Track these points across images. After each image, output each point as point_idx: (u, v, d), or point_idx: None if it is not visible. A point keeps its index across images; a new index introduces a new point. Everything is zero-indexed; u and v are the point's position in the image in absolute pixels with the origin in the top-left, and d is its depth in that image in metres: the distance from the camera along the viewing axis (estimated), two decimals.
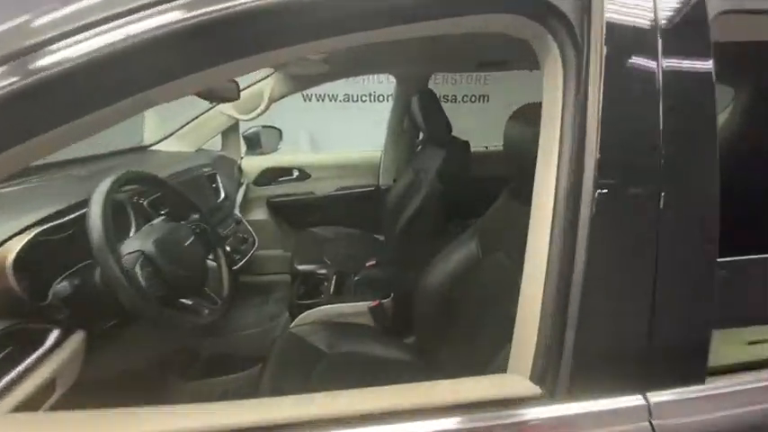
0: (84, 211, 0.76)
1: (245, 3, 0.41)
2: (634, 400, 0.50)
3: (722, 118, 1.20)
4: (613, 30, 0.47)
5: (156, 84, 0.43)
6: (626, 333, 0.50)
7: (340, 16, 0.44)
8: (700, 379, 0.52)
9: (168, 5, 0.40)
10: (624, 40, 0.48)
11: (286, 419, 0.45)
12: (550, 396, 0.49)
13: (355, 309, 1.35)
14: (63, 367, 0.74)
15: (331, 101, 4.38)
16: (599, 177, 0.46)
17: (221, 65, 0.44)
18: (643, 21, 0.48)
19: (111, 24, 0.40)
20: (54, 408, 0.74)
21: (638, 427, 0.49)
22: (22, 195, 0.99)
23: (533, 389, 0.50)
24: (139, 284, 0.74)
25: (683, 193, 0.49)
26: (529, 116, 0.93)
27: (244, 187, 1.94)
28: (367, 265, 1.64)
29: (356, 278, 1.36)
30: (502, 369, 0.59)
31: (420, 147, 2.02)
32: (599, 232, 0.47)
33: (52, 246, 0.79)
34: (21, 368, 0.67)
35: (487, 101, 4.93)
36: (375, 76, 4.37)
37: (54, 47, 0.39)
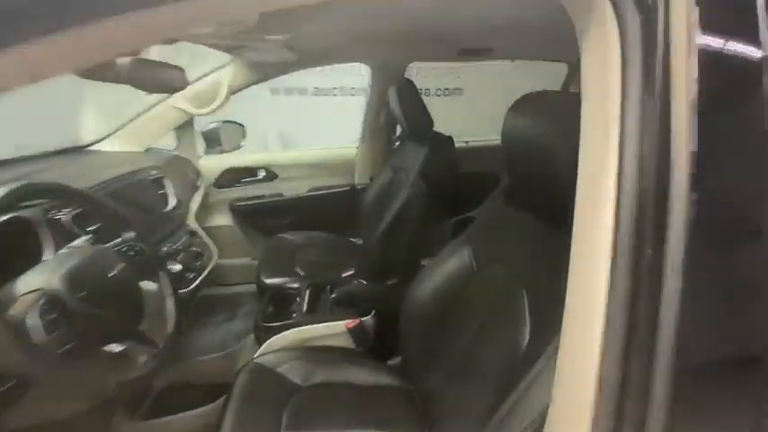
0: None
1: None
2: None
3: None
4: None
5: None
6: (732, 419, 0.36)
7: None
8: None
9: None
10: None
11: None
12: None
13: (332, 329, 1.18)
14: None
15: (301, 94, 4.14)
16: (695, 199, 0.31)
17: None
18: None
19: None
20: None
21: None
22: None
23: None
24: (38, 337, 0.54)
25: None
26: (535, 107, 0.78)
27: (202, 191, 1.72)
28: (344, 275, 1.48)
29: (333, 296, 1.19)
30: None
31: (399, 143, 1.86)
32: (695, 276, 0.32)
33: None
34: None
35: (461, 94, 4.84)
36: (348, 68, 4.17)
37: None
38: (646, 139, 0.34)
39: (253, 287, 1.65)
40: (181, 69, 1.20)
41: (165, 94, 1.58)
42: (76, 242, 0.76)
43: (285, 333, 1.16)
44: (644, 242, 0.33)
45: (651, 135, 0.33)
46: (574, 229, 0.42)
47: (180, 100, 1.59)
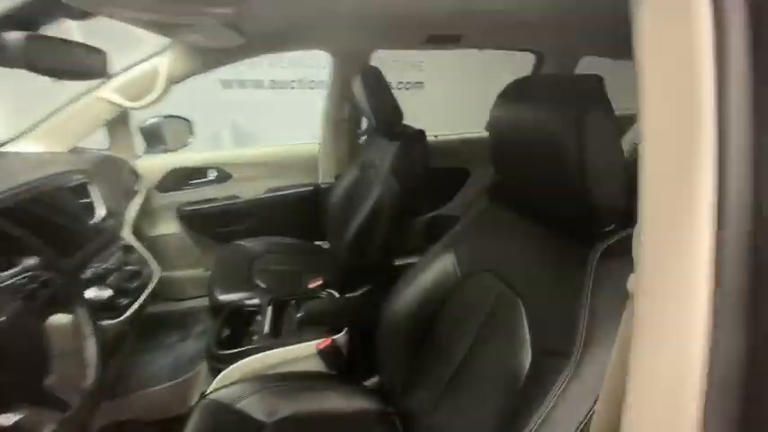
0: None
1: None
2: None
3: None
4: None
5: None
6: None
7: None
8: None
9: None
10: None
11: None
12: None
13: (300, 352, 1.04)
14: None
15: (256, 87, 3.89)
16: None
17: None
18: None
19: None
20: None
21: None
22: None
23: None
24: None
25: None
26: (533, 92, 0.68)
27: (142, 196, 1.50)
28: (311, 285, 1.33)
29: (299, 314, 1.04)
30: None
31: (366, 138, 1.72)
32: None
33: None
34: None
35: (423, 88, 4.77)
36: (307, 59, 3.96)
37: None
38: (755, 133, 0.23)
39: (208, 301, 1.47)
40: (100, 52, 1.00)
41: (91, 85, 1.35)
42: None
43: (245, 361, 1.00)
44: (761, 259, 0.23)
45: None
46: (643, 248, 0.31)
47: (109, 91, 1.36)
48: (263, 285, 1.37)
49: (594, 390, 0.57)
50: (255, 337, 1.08)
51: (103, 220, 1.04)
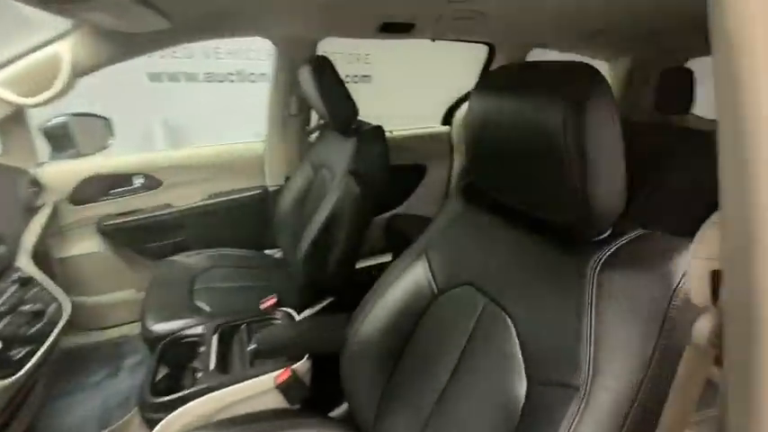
0: None
1: None
2: None
3: None
4: None
5: None
6: None
7: None
8: None
9: None
10: None
11: None
12: None
13: (255, 388, 0.89)
14: None
15: (190, 81, 3.55)
16: None
17: None
18: None
19: None
20: None
21: None
22: None
23: None
24: None
25: None
26: (520, 79, 0.58)
27: (48, 211, 1.25)
28: (263, 306, 1.17)
29: (251, 347, 0.88)
30: None
31: (317, 134, 1.57)
32: None
33: None
34: None
35: (370, 81, 4.65)
36: (248, 50, 3.68)
37: None
38: None
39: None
40: None
41: None
42: None
43: (188, 406, 0.83)
44: None
45: None
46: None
47: None
48: (206, 308, 1.19)
49: (610, 424, 0.49)
50: (200, 375, 0.91)
51: None
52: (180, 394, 0.85)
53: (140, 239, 1.52)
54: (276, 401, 0.90)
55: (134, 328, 1.54)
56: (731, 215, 0.25)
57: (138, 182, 1.51)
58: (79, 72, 1.16)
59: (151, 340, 1.07)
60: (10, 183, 1.12)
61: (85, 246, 1.46)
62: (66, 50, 1.15)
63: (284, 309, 1.13)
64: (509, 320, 0.65)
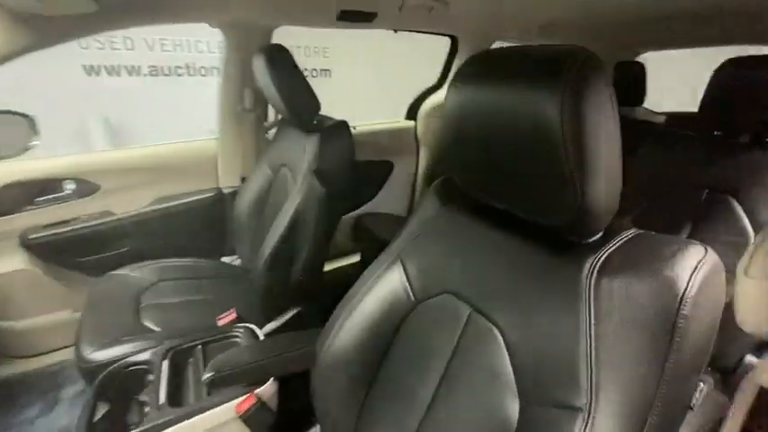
0: None
1: None
2: None
3: None
4: None
5: None
6: None
7: None
8: None
9: None
10: None
11: None
12: None
13: (214, 420, 0.78)
14: None
15: (132, 75, 3.27)
16: None
17: None
18: None
19: None
20: None
21: None
22: None
23: None
24: None
25: None
26: (511, 63, 0.52)
27: None
28: (221, 322, 1.06)
29: (207, 375, 0.77)
30: None
31: (275, 131, 1.46)
32: None
33: None
34: None
35: (329, 76, 4.53)
36: (192, 41, 3.44)
37: None
38: None
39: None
40: None
41: None
42: None
43: None
44: None
45: None
46: None
47: None
48: (155, 328, 1.06)
49: None
50: (148, 410, 0.79)
51: None
52: None
53: (74, 253, 1.34)
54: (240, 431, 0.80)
55: (72, 354, 1.36)
56: None
57: (69, 187, 1.33)
58: None
59: (89, 371, 0.93)
60: None
61: (8, 263, 1.27)
62: None
63: (245, 324, 1.02)
64: (496, 331, 0.60)
